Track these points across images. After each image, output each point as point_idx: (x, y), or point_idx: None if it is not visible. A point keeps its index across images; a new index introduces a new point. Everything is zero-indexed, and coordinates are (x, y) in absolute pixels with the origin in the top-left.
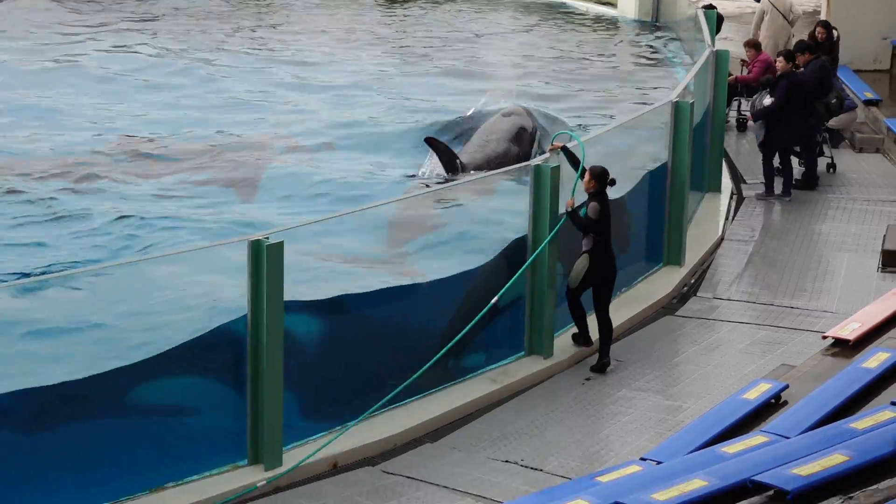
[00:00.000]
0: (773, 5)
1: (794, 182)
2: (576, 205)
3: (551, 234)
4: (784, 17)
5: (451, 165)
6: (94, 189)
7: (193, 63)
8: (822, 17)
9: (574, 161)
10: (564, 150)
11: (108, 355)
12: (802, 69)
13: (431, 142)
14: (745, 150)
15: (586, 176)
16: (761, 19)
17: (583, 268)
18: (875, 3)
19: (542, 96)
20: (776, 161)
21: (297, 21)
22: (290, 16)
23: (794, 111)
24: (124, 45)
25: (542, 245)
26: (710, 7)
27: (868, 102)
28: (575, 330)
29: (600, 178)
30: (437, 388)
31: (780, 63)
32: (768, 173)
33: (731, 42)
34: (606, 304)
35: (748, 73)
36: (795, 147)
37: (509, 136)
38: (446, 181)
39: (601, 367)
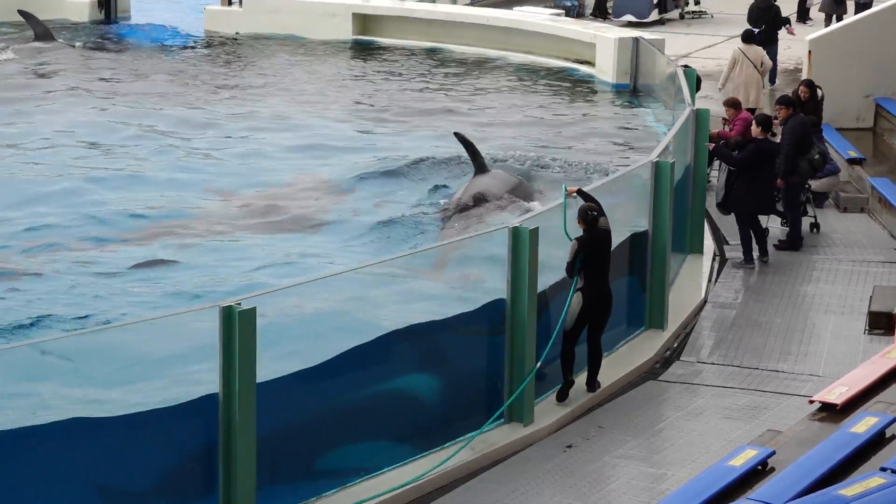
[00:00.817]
0: (745, 54)
1: (777, 243)
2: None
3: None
4: (755, 66)
5: (480, 163)
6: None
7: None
8: (804, 75)
9: (592, 201)
10: (581, 192)
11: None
12: (781, 125)
13: (461, 137)
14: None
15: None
16: (731, 69)
17: (577, 306)
18: (857, 60)
19: (517, 157)
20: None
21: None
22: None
23: (757, 177)
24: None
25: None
26: (686, 67)
27: (852, 161)
28: (559, 386)
29: (582, 217)
30: (413, 456)
31: (755, 129)
32: (745, 238)
33: (711, 100)
34: (598, 336)
35: (730, 131)
36: (757, 214)
37: (513, 176)
38: (471, 207)
39: (592, 387)
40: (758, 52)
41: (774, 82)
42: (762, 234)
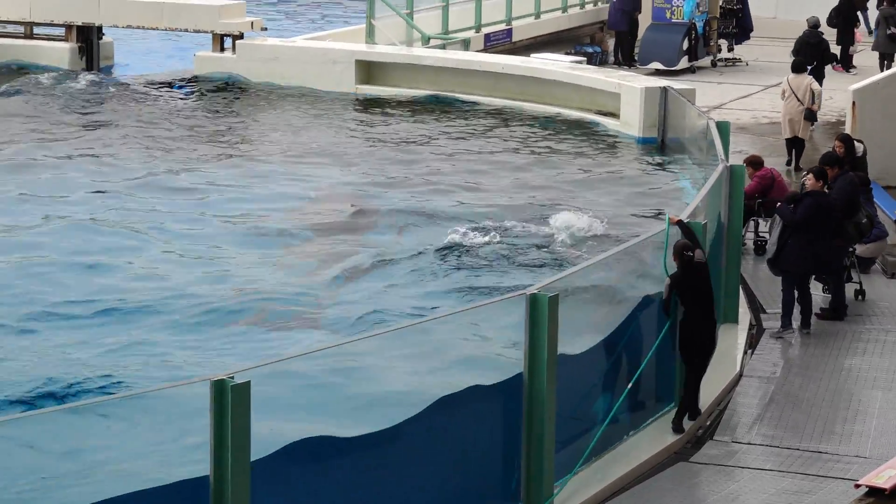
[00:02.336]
0: (790, 85)
1: (819, 311)
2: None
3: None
4: (797, 98)
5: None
6: None
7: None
8: (847, 127)
9: (689, 234)
10: (680, 223)
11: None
12: (828, 187)
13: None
14: (763, 275)
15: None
16: (783, 98)
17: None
18: None
19: (535, 218)
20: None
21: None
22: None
23: (815, 235)
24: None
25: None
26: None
27: None
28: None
29: (678, 254)
30: None
31: (810, 181)
32: (787, 303)
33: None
34: (699, 375)
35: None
36: (812, 275)
37: None
38: None
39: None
40: (805, 81)
41: (814, 122)
42: (809, 301)
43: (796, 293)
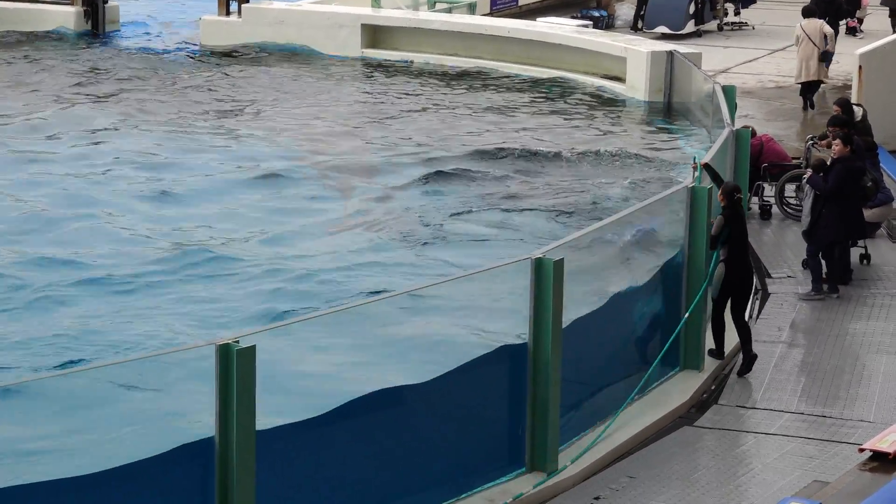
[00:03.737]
0: (804, 30)
1: (823, 276)
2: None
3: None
4: (811, 41)
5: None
6: None
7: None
8: (853, 92)
9: (716, 177)
10: (707, 167)
11: (53, 471)
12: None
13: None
14: (768, 240)
15: (719, 193)
16: (798, 45)
17: (720, 276)
18: None
19: (544, 185)
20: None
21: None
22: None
23: (848, 201)
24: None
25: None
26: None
27: None
28: (711, 346)
29: (727, 195)
30: None
31: (838, 146)
32: (815, 268)
33: (753, 120)
34: (743, 311)
35: None
36: (847, 240)
37: None
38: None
39: (748, 365)
40: (816, 25)
41: (829, 63)
42: (838, 266)
43: (824, 258)
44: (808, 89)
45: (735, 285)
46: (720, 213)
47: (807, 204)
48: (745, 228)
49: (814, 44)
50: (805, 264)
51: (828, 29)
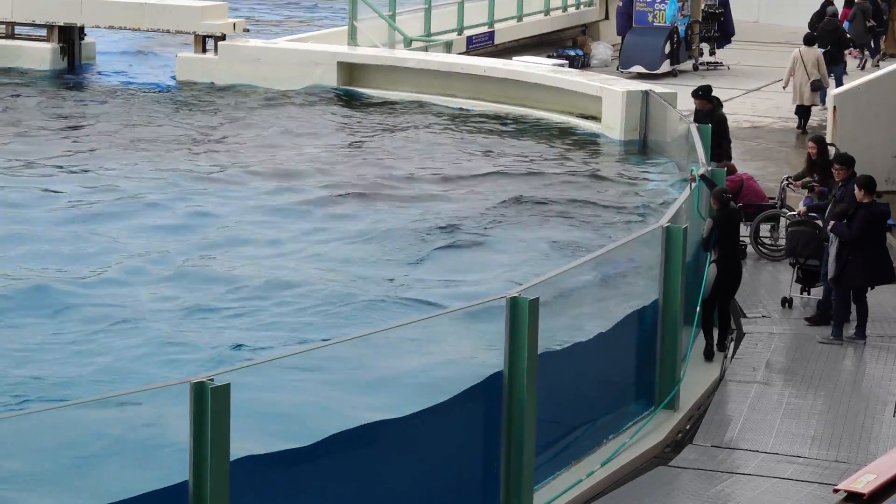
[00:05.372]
0: (802, 57)
1: (807, 318)
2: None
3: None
4: (804, 68)
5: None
6: None
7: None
8: (828, 134)
9: (711, 185)
10: (703, 178)
11: None
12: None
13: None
14: (743, 280)
15: (711, 198)
16: (791, 71)
17: (713, 277)
18: (886, 119)
19: (518, 223)
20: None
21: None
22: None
23: (873, 246)
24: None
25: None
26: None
27: None
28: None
29: (718, 198)
30: None
31: (860, 194)
32: (842, 313)
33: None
34: (728, 304)
35: None
36: (875, 286)
37: None
38: None
39: (709, 357)
40: (816, 54)
41: (825, 102)
42: (866, 311)
43: (855, 303)
44: (803, 113)
45: (725, 288)
46: (710, 215)
47: (832, 251)
48: (736, 229)
49: (806, 71)
50: (787, 304)
51: (822, 63)
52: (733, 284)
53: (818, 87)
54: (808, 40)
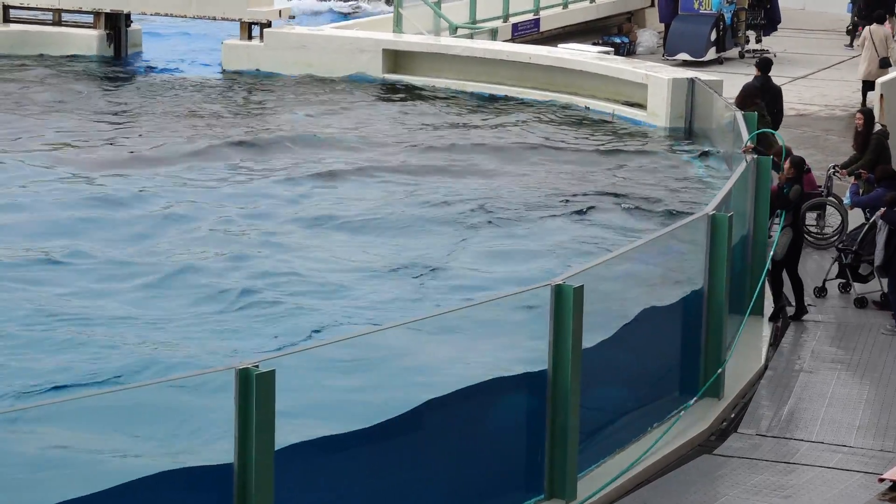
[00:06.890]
0: (871, 35)
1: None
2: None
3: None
4: (874, 45)
5: None
6: None
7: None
8: (877, 118)
9: (764, 153)
10: (756, 150)
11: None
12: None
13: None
14: None
15: (786, 164)
16: (863, 45)
17: (787, 240)
18: None
19: (564, 211)
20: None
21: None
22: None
23: None
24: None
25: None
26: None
27: None
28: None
29: (798, 166)
30: None
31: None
32: None
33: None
34: (796, 267)
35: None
36: None
37: None
38: None
39: (798, 315)
40: (885, 32)
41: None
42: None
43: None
44: (867, 90)
45: (798, 248)
46: (792, 181)
47: (881, 239)
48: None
49: (875, 49)
50: (821, 293)
51: (892, 41)
52: (800, 247)
53: (886, 65)
54: (880, 18)
